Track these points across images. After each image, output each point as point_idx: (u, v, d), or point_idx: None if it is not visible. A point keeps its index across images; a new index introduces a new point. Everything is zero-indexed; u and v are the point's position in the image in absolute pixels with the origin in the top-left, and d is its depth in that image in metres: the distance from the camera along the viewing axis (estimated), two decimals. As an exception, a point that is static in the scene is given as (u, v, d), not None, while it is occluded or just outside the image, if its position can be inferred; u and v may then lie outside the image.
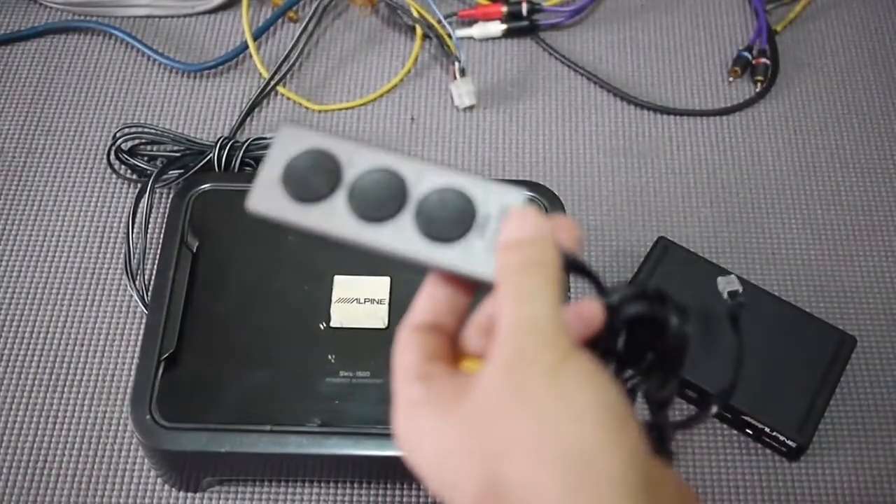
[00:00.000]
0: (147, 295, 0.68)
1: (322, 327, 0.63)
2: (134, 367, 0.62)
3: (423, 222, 0.38)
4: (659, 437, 0.38)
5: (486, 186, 0.38)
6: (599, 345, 0.38)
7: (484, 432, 0.33)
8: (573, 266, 0.37)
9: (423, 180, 0.38)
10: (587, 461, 0.32)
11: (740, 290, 0.57)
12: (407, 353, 0.38)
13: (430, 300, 0.39)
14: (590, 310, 0.37)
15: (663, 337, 0.39)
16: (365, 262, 0.65)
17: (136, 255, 0.70)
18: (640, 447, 0.33)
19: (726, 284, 0.58)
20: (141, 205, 0.72)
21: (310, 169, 0.39)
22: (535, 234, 0.36)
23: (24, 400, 0.67)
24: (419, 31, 0.84)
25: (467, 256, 0.37)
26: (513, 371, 0.33)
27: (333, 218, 0.38)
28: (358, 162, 0.39)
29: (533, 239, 0.36)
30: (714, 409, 0.41)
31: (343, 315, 0.64)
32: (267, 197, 0.39)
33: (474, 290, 0.39)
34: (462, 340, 0.40)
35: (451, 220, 0.38)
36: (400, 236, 0.38)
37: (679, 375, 0.39)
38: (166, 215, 0.68)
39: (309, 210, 0.38)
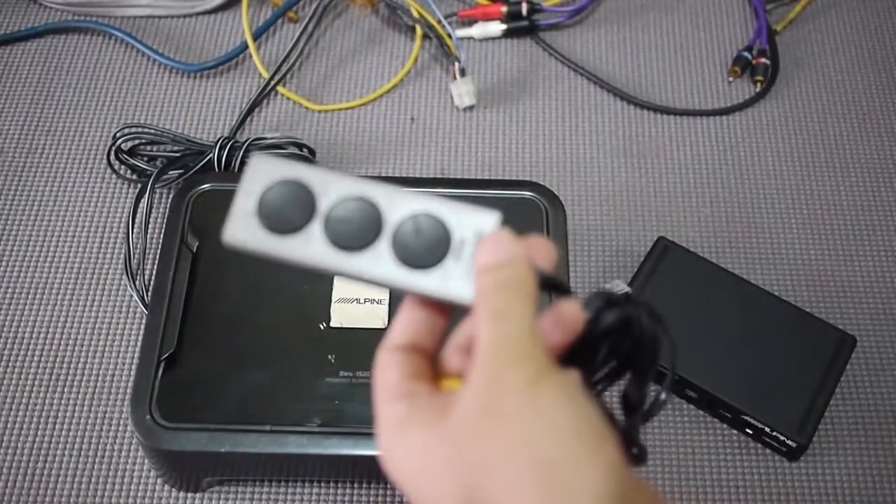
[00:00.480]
0: (147, 295, 0.68)
1: (322, 327, 0.63)
2: (134, 367, 0.62)
3: (399, 250, 0.38)
4: (630, 438, 0.39)
5: (461, 211, 0.39)
6: (579, 356, 0.39)
7: (464, 448, 0.34)
8: (549, 284, 0.38)
9: (398, 207, 0.39)
10: (564, 474, 0.33)
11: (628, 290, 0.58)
12: (388, 374, 0.39)
13: (408, 322, 0.40)
14: (568, 312, 0.38)
15: (636, 339, 0.40)
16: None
17: (136, 256, 0.70)
18: (616, 460, 0.33)
19: (614, 287, 0.60)
20: (141, 205, 0.72)
21: (284, 200, 0.39)
22: (510, 255, 0.37)
23: (23, 400, 0.67)
24: (419, 31, 0.84)
25: (445, 281, 0.38)
26: (491, 387, 0.34)
27: (310, 248, 0.38)
28: (331, 191, 0.39)
29: (508, 261, 0.37)
30: (664, 397, 0.42)
31: (343, 315, 0.64)
32: (243, 229, 0.39)
33: (452, 312, 0.40)
34: (442, 360, 0.41)
35: (428, 247, 0.38)
36: (377, 264, 0.38)
37: (653, 375, 0.40)
38: (166, 215, 0.68)
39: (285, 241, 0.38)
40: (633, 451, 0.40)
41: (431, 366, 0.40)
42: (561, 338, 0.38)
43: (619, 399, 0.41)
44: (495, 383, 0.34)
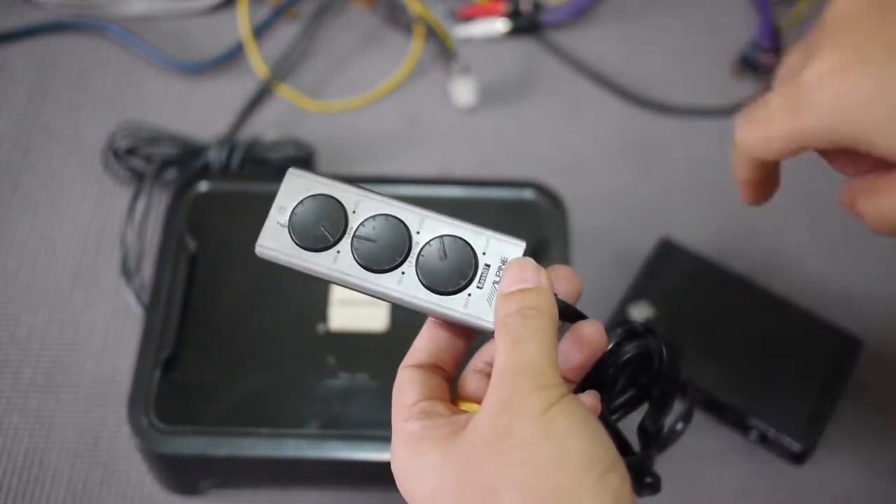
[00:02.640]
0: (144, 297, 0.67)
1: (321, 329, 0.63)
2: (131, 369, 0.62)
3: (425, 273, 0.40)
4: (644, 468, 0.41)
5: (488, 237, 0.40)
6: (597, 380, 0.41)
7: (476, 470, 0.35)
8: (570, 314, 0.40)
9: (426, 229, 0.40)
10: (573, 501, 0.33)
11: (651, 316, 0.60)
12: (407, 392, 0.40)
13: (430, 341, 0.41)
14: (588, 333, 0.40)
15: (655, 372, 0.42)
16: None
17: (133, 257, 0.69)
18: (620, 490, 0.34)
19: (638, 313, 0.62)
20: (138, 205, 0.71)
21: (315, 217, 0.41)
22: (534, 283, 0.38)
23: (18, 403, 0.66)
24: (419, 30, 0.83)
25: (468, 306, 0.39)
26: (505, 412, 0.35)
27: (338, 265, 0.40)
28: (362, 210, 0.41)
29: (531, 288, 0.38)
30: (680, 428, 0.44)
31: (342, 317, 0.63)
32: (275, 242, 0.41)
33: (473, 335, 0.41)
34: (462, 382, 0.42)
35: (452, 271, 0.40)
36: (403, 285, 0.40)
37: (670, 409, 0.42)
38: (164, 216, 0.68)
39: (315, 256, 0.40)
40: (648, 481, 0.41)
41: (450, 387, 0.41)
42: (581, 359, 0.40)
43: (637, 429, 0.42)
44: (509, 408, 0.35)
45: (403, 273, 0.40)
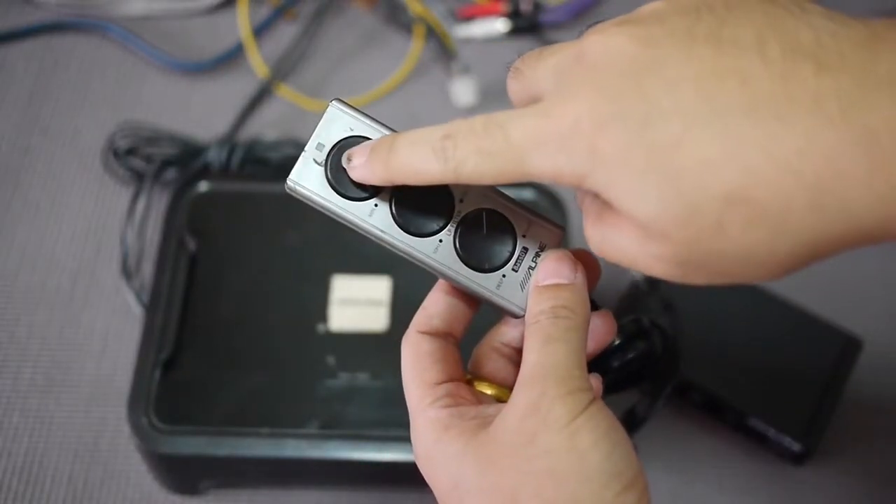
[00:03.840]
0: (144, 297, 0.67)
1: (321, 329, 0.63)
2: (131, 369, 0.62)
3: (464, 246, 0.38)
4: None
5: (529, 219, 0.39)
6: (599, 367, 0.40)
7: (498, 471, 0.35)
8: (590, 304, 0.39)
9: (470, 199, 0.39)
10: None
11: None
12: (429, 368, 0.39)
13: (445, 308, 0.40)
14: (603, 325, 0.40)
15: (656, 363, 0.42)
16: (365, 262, 0.64)
17: (133, 257, 0.69)
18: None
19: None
20: (138, 205, 0.71)
21: None
22: (569, 279, 0.38)
23: (18, 403, 0.66)
24: (419, 29, 0.83)
25: (501, 287, 0.38)
26: (531, 417, 0.35)
27: (373, 219, 0.38)
28: None
29: (567, 285, 0.38)
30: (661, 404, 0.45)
31: (342, 317, 0.63)
32: (308, 180, 0.38)
33: (479, 304, 0.41)
34: (477, 360, 0.41)
35: (491, 249, 0.38)
36: (438, 253, 0.38)
37: (665, 396, 0.43)
38: (164, 216, 0.68)
39: (351, 205, 0.38)
40: None
41: (460, 358, 0.41)
42: (591, 349, 0.39)
43: (625, 413, 0.43)
44: (536, 413, 0.35)
45: (441, 241, 0.38)
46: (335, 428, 0.59)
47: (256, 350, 0.62)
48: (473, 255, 0.38)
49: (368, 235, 0.38)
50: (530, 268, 0.39)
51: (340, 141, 0.38)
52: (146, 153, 0.74)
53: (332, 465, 0.59)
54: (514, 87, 0.37)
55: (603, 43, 0.32)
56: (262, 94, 0.80)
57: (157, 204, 0.73)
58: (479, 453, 0.36)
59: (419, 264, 0.38)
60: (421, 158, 0.35)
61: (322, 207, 0.38)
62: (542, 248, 0.39)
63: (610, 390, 0.42)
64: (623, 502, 0.34)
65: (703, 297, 0.68)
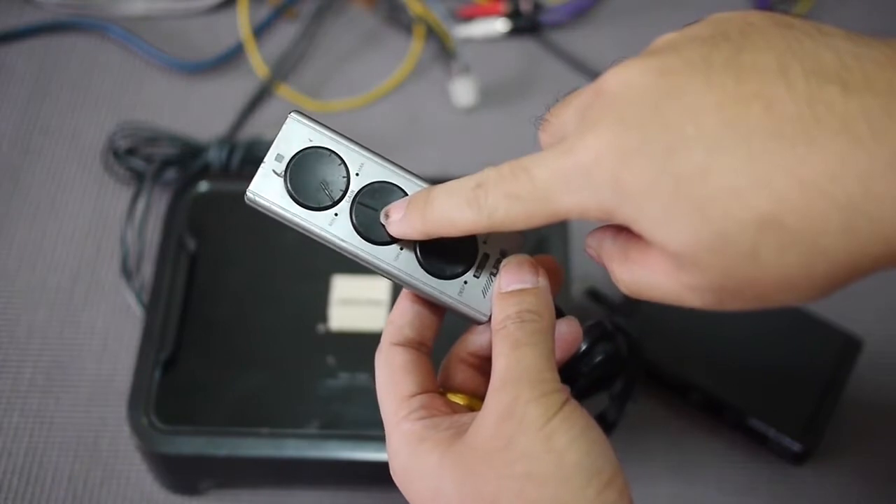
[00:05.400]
0: (144, 297, 0.67)
1: (321, 329, 0.63)
2: (131, 369, 0.62)
3: (425, 254, 0.38)
4: None
5: None
6: (567, 374, 0.40)
7: (477, 479, 0.35)
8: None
9: None
10: None
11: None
12: (402, 381, 0.39)
13: (413, 317, 0.40)
14: (567, 332, 0.40)
15: (620, 367, 0.43)
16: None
17: (133, 257, 0.69)
18: (622, 501, 0.34)
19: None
20: (138, 205, 0.71)
21: (315, 172, 0.38)
22: (531, 283, 0.38)
23: (18, 403, 0.66)
24: (419, 30, 0.83)
25: (463, 293, 0.39)
26: (506, 421, 0.35)
27: (333, 228, 0.38)
28: (365, 173, 0.38)
29: (531, 289, 0.38)
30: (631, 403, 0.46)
31: (342, 317, 0.63)
32: (267, 191, 0.38)
33: (443, 311, 0.41)
34: (446, 373, 0.41)
35: (453, 257, 0.39)
36: (400, 261, 0.38)
37: (631, 400, 0.44)
38: (164, 216, 0.68)
39: (310, 214, 0.38)
40: None
41: (433, 369, 0.41)
42: (559, 356, 0.39)
43: (596, 417, 0.43)
44: (511, 417, 0.34)
45: (402, 249, 0.38)
46: (335, 428, 0.59)
47: (256, 350, 0.62)
48: (434, 262, 0.38)
49: (329, 245, 0.38)
50: (492, 274, 0.39)
51: (299, 152, 0.38)
52: (146, 153, 0.74)
53: (332, 465, 0.59)
54: (544, 139, 0.37)
55: (620, 75, 0.32)
56: (262, 94, 0.80)
57: (157, 204, 0.73)
58: (457, 463, 0.35)
59: (381, 273, 0.38)
60: (456, 209, 0.35)
61: (282, 218, 0.38)
62: (503, 255, 0.39)
63: (581, 396, 0.42)
64: (605, 500, 0.34)
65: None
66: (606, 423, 0.44)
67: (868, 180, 0.28)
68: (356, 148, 0.39)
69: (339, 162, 0.38)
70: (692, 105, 0.30)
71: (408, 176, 0.39)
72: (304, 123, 0.39)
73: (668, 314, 0.66)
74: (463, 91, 0.79)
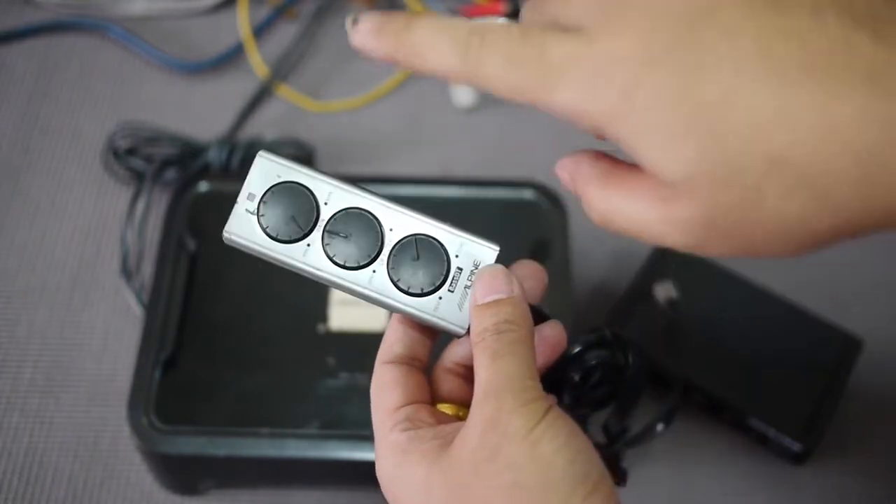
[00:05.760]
0: (144, 297, 0.67)
1: (321, 329, 0.63)
2: (131, 369, 0.62)
3: (397, 273, 0.39)
4: (611, 464, 0.41)
5: (461, 239, 0.40)
6: (558, 381, 0.41)
7: (465, 491, 0.34)
8: (534, 316, 0.39)
9: (399, 227, 0.39)
10: None
11: (674, 296, 0.59)
12: (389, 395, 0.39)
13: (403, 335, 0.40)
14: (550, 335, 0.40)
15: (621, 376, 0.42)
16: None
17: (133, 257, 0.69)
18: None
19: (664, 291, 0.62)
20: (138, 205, 0.71)
21: (286, 207, 0.39)
22: (506, 293, 0.37)
23: (18, 403, 0.66)
24: (419, 29, 0.83)
25: (438, 309, 0.39)
26: (491, 432, 0.34)
27: (307, 258, 0.39)
28: (334, 202, 0.39)
29: (506, 299, 0.37)
30: (660, 429, 0.45)
31: (342, 317, 0.63)
32: (243, 229, 0.39)
33: (437, 332, 0.41)
34: (433, 385, 0.41)
35: (424, 272, 0.39)
36: (372, 283, 0.39)
37: (633, 410, 0.44)
38: (164, 216, 0.67)
39: (285, 248, 0.39)
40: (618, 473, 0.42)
41: (427, 381, 0.41)
42: (542, 361, 0.39)
43: (602, 427, 0.44)
44: (495, 428, 0.34)
45: (374, 272, 0.39)
46: (335, 428, 0.59)
47: (256, 350, 0.62)
48: (407, 281, 0.39)
49: (306, 275, 0.40)
50: (466, 287, 0.39)
51: (269, 188, 0.39)
52: (146, 153, 0.74)
53: (332, 465, 0.59)
54: (534, 17, 0.34)
55: None
56: (262, 94, 0.80)
57: (157, 204, 0.73)
58: (444, 476, 0.35)
59: (358, 297, 0.39)
60: (438, 45, 0.33)
61: (259, 254, 0.39)
62: (476, 267, 0.39)
63: (578, 405, 0.42)
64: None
65: (703, 297, 0.68)
66: (610, 435, 0.44)
67: (890, 131, 0.27)
68: (324, 178, 0.40)
69: (308, 194, 0.39)
70: (730, 27, 0.29)
71: (376, 199, 0.40)
72: (272, 161, 0.40)
73: (667, 314, 0.66)
74: (463, 91, 0.79)
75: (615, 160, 0.33)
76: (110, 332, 0.69)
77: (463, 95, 0.79)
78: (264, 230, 0.39)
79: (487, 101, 0.81)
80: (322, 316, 0.63)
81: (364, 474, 0.61)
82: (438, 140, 0.79)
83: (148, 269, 0.70)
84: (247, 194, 0.40)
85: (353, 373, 0.61)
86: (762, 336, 0.66)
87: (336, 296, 0.64)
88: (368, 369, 0.60)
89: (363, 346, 0.62)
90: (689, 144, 0.29)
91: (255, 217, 0.39)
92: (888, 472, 0.64)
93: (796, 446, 0.62)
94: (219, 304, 0.64)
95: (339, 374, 0.61)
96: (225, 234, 0.39)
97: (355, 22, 0.35)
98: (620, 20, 0.30)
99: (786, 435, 0.62)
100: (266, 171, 0.40)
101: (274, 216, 0.39)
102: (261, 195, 0.39)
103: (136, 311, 0.69)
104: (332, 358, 0.62)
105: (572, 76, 0.30)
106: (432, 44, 0.33)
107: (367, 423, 0.58)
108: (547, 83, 0.31)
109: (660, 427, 0.44)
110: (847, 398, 0.66)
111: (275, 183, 0.39)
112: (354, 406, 0.60)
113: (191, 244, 0.65)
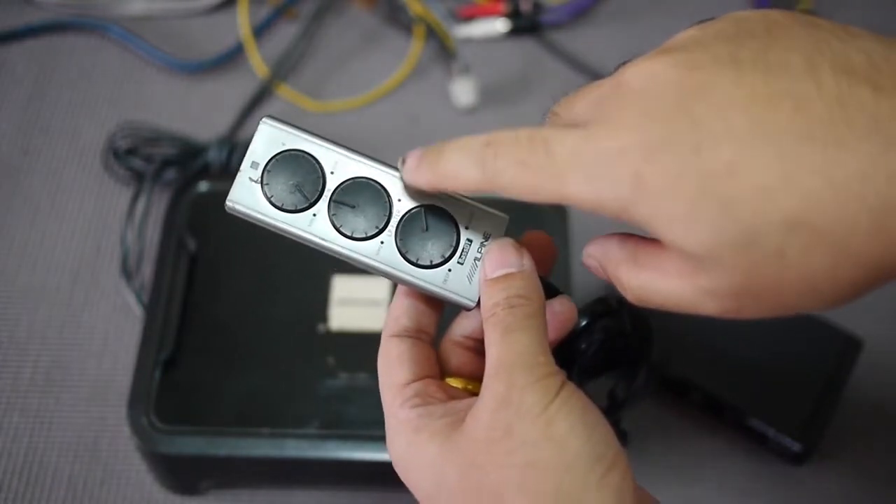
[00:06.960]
0: (144, 297, 0.67)
1: (321, 329, 0.63)
2: (131, 369, 0.62)
3: (405, 245, 0.38)
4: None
5: (471, 209, 0.39)
6: (568, 351, 0.40)
7: (478, 470, 0.34)
8: (547, 289, 0.38)
9: (408, 198, 0.39)
10: (577, 502, 0.33)
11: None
12: (398, 370, 0.39)
13: (409, 307, 0.40)
14: (561, 311, 0.39)
15: (627, 340, 0.42)
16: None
17: (133, 257, 0.69)
18: (622, 486, 0.34)
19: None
20: (138, 205, 0.71)
21: (291, 175, 0.38)
22: (517, 267, 0.37)
23: (18, 403, 0.66)
24: (419, 30, 0.83)
25: (448, 282, 0.38)
26: (503, 409, 0.34)
27: (313, 227, 0.38)
28: (340, 171, 0.39)
29: (516, 273, 0.37)
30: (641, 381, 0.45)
31: (342, 317, 0.63)
32: (246, 199, 0.38)
33: (444, 305, 0.40)
34: (442, 355, 0.41)
35: (434, 246, 0.38)
36: (380, 254, 0.38)
37: (641, 376, 0.43)
38: (164, 216, 0.67)
39: (290, 218, 0.38)
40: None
41: (435, 355, 0.40)
42: (553, 337, 0.38)
43: (608, 395, 0.43)
44: (508, 405, 0.34)
45: (382, 243, 0.38)
46: (335, 428, 0.59)
47: (256, 350, 0.62)
48: (416, 252, 0.38)
49: (312, 245, 0.38)
50: (476, 259, 0.38)
51: (274, 156, 0.38)
52: (146, 153, 0.74)
53: (332, 465, 0.59)
54: (547, 121, 0.36)
55: (644, 69, 0.31)
56: (262, 94, 0.80)
57: (157, 204, 0.73)
58: (457, 454, 0.35)
59: (365, 268, 0.38)
60: (464, 165, 0.35)
61: (263, 223, 0.38)
62: (486, 238, 0.39)
63: (585, 376, 0.41)
64: (608, 484, 0.33)
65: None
66: (616, 402, 0.43)
67: None
68: (330, 146, 0.39)
69: (314, 162, 0.38)
70: (721, 102, 0.29)
71: (384, 168, 0.39)
72: (277, 128, 0.39)
73: (666, 314, 0.66)
74: (463, 91, 0.79)
75: (640, 238, 0.33)
76: (110, 332, 0.69)
77: (463, 95, 0.79)
78: (269, 199, 0.38)
79: (487, 101, 0.81)
80: (322, 316, 0.63)
81: (364, 474, 0.61)
82: (438, 140, 0.79)
83: (148, 269, 0.70)
84: (250, 162, 0.38)
85: (353, 373, 0.61)
86: (762, 336, 0.66)
87: (336, 296, 0.64)
88: (368, 369, 0.61)
89: (363, 346, 0.62)
90: (702, 219, 0.29)
91: (259, 186, 0.38)
92: (888, 472, 0.64)
93: (796, 446, 0.62)
94: (219, 304, 0.64)
95: (339, 374, 0.61)
96: (228, 204, 0.38)
97: (403, 162, 0.38)
98: (618, 112, 0.32)
99: (785, 435, 0.62)
100: (270, 138, 0.39)
101: (278, 185, 0.38)
102: (265, 163, 0.38)
103: (136, 311, 0.69)
104: (332, 358, 0.62)
105: (578, 170, 0.32)
106: (458, 167, 0.35)
107: (367, 423, 0.59)
108: (557, 179, 0.32)
109: (641, 380, 0.44)
110: (847, 398, 0.66)
111: (279, 151, 0.38)
112: (354, 406, 0.60)
113: (191, 244, 0.65)
